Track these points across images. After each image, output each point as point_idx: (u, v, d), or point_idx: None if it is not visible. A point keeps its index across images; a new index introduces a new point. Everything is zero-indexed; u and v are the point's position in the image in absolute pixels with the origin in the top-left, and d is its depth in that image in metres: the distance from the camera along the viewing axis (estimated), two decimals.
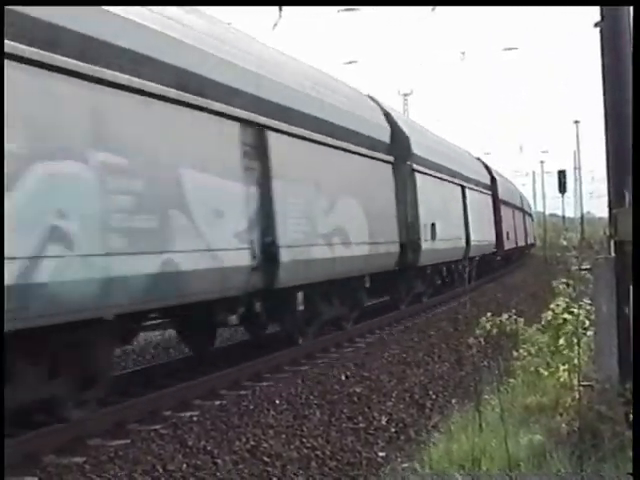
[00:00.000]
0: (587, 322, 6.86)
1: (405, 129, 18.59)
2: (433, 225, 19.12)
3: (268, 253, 10.78)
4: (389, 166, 17.05)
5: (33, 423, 7.81)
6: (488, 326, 6.82)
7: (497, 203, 32.39)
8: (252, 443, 7.27)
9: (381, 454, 6.85)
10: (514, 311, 7.79)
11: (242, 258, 10.19)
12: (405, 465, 6.36)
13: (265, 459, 6.72)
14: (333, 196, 13.43)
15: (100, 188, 7.60)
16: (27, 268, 6.65)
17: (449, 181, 22.94)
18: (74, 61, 7.39)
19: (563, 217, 59.64)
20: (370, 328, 15.51)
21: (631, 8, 5.99)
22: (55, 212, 7.05)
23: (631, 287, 5.52)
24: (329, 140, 13.48)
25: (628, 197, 5.91)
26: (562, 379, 6.64)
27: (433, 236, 19.05)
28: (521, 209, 44.83)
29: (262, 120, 11.03)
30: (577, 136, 55.90)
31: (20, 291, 6.56)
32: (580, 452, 5.20)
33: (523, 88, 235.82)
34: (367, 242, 14.88)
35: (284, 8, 13.18)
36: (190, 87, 9.29)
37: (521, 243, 42.05)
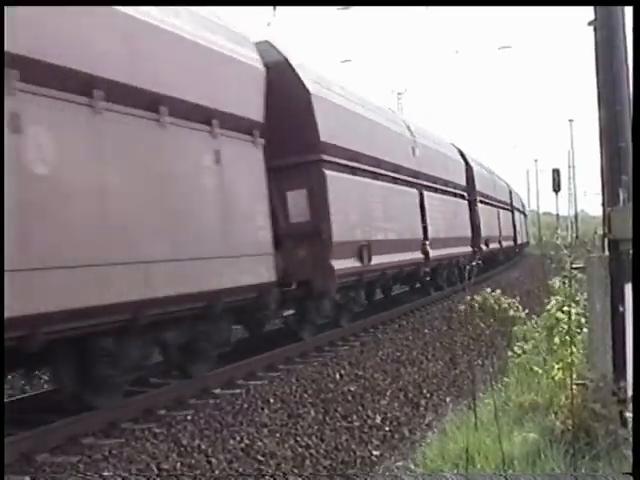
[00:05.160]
0: (582, 319, 6.85)
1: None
2: None
3: None
4: None
5: (28, 422, 7.79)
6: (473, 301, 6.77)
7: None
8: (246, 442, 7.27)
9: (375, 453, 6.86)
10: (499, 290, 7.74)
11: None
12: (399, 464, 6.37)
13: (259, 458, 6.72)
14: None
15: None
16: None
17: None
18: None
19: (557, 215, 59.62)
20: (364, 327, 15.53)
21: (630, 8, 5.97)
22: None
23: (629, 286, 5.50)
24: None
25: (622, 196, 5.90)
26: (557, 377, 6.64)
27: None
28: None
29: None
30: (571, 135, 56.01)
31: None
32: (574, 450, 5.20)
33: (518, 86, 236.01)
34: None
35: (280, 7, 13.08)
36: None
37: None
